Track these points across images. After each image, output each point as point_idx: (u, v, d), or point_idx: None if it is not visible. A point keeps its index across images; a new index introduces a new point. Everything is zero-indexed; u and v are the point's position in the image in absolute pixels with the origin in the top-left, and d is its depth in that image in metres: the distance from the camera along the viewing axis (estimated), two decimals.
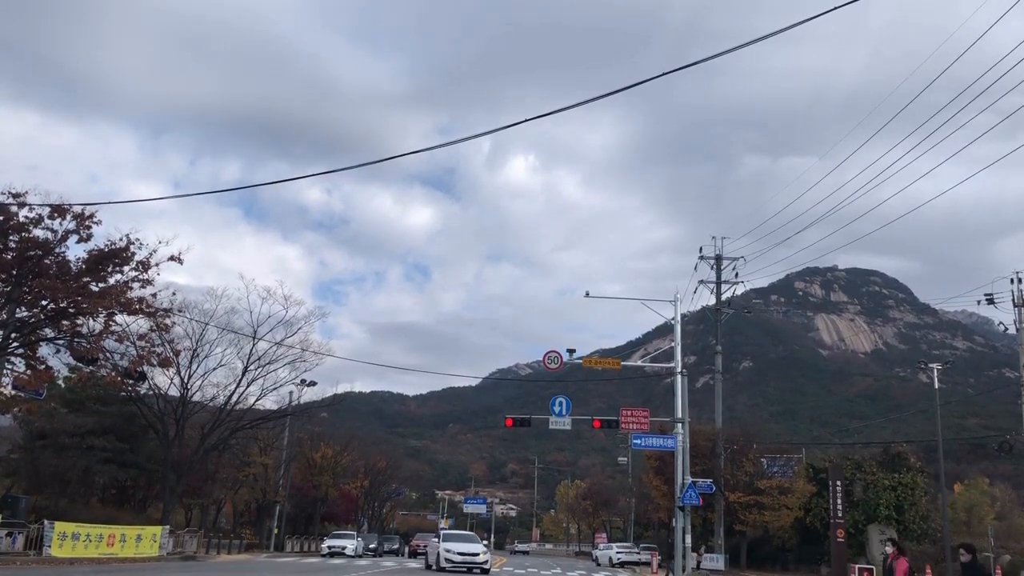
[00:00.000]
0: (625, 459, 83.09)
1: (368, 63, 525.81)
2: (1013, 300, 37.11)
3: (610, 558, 58.38)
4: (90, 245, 28.94)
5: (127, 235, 29.27)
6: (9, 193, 26.55)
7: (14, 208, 26.86)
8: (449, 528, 63.68)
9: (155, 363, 34.90)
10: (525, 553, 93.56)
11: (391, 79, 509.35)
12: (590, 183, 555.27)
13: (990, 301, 38.73)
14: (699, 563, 36.11)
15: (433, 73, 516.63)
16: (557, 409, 34.96)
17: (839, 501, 37.25)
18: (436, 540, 37.41)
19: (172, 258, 30.12)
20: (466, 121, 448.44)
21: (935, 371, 45.75)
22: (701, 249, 46.77)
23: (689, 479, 34.28)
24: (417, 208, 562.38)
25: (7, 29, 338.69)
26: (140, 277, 29.74)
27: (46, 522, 28.21)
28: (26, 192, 26.74)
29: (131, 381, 37.79)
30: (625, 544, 65.41)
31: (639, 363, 46.36)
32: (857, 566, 35.66)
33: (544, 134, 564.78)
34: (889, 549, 17.79)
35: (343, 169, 66.67)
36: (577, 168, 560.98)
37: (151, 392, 41.79)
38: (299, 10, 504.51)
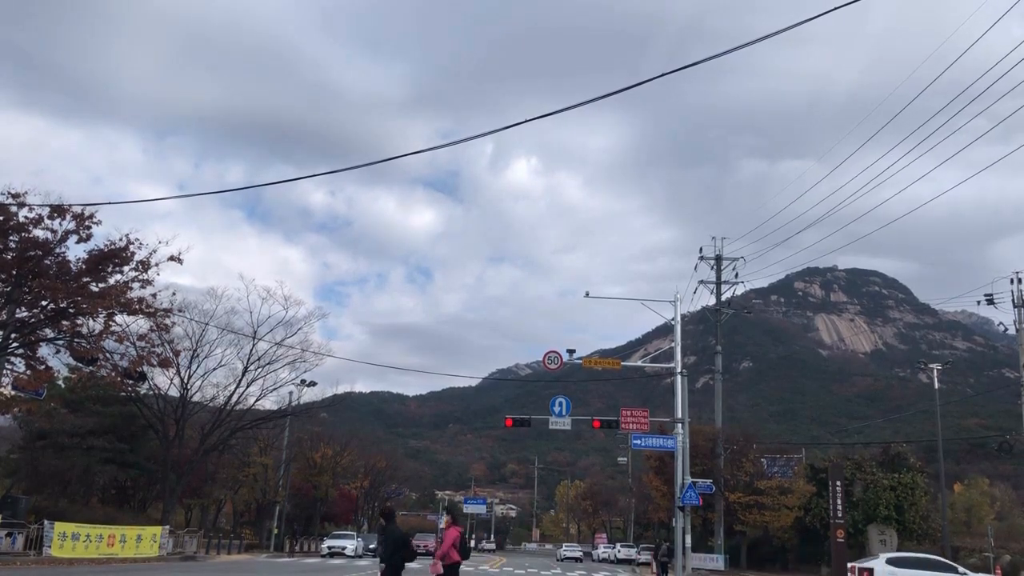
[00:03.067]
0: (625, 459, 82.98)
1: (371, 68, 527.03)
2: (1013, 300, 37.08)
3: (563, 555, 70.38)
4: (90, 245, 29.03)
5: (127, 235, 29.36)
6: (9, 193, 26.55)
7: (14, 208, 26.86)
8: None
9: (155, 363, 34.90)
10: (492, 551, 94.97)
11: (394, 84, 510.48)
12: (591, 185, 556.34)
13: (990, 301, 38.71)
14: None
15: (435, 78, 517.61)
16: (557, 409, 34.95)
17: (839, 501, 37.18)
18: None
19: (172, 258, 30.16)
20: (468, 125, 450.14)
21: (935, 371, 45.77)
22: (701, 249, 46.83)
23: (689, 479, 34.28)
24: (420, 210, 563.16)
25: (14, 36, 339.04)
26: (140, 277, 29.76)
27: (46, 522, 28.20)
28: (26, 192, 26.78)
29: (131, 381, 37.75)
30: (572, 544, 77.39)
31: (639, 363, 46.40)
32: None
33: (545, 137, 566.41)
34: (443, 524, 16.97)
35: (346, 169, 66.71)
36: (578, 171, 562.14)
37: (151, 392, 41.81)
38: (302, 15, 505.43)
